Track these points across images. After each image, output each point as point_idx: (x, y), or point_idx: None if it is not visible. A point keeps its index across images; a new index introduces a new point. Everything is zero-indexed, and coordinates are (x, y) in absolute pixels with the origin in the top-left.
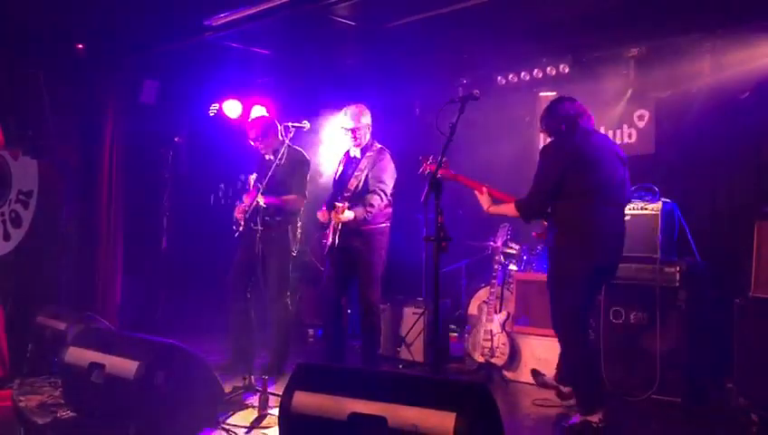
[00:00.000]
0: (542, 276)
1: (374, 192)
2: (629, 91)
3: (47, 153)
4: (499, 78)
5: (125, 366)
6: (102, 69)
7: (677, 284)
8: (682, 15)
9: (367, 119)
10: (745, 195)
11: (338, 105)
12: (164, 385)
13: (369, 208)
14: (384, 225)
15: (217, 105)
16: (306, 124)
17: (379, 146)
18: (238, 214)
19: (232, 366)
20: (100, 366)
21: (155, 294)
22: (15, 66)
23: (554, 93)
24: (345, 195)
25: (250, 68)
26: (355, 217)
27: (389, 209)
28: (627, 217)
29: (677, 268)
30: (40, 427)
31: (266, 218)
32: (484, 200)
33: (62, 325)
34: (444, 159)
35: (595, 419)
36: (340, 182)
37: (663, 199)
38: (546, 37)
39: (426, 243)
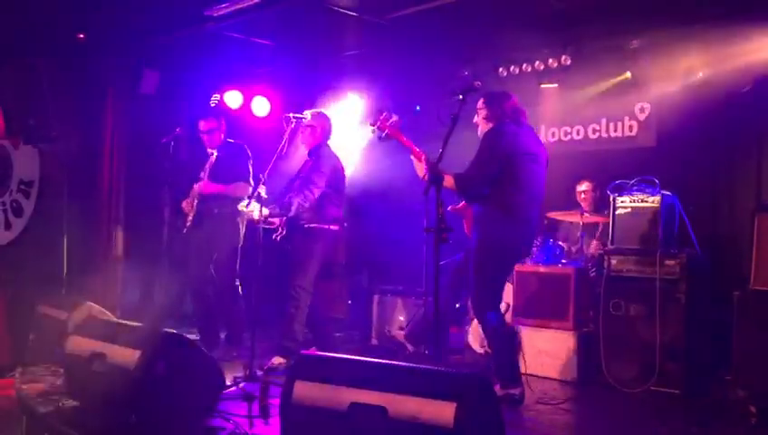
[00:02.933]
0: (542, 268)
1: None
2: (631, 84)
3: (48, 142)
4: (501, 69)
5: (126, 355)
6: (103, 58)
7: (677, 276)
8: (684, 7)
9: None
10: (746, 188)
11: (339, 96)
12: (165, 374)
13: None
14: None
15: (218, 96)
16: (307, 115)
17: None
18: (187, 208)
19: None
20: (102, 355)
21: (156, 283)
22: (17, 55)
23: (556, 85)
24: None
25: (251, 58)
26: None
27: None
28: (628, 210)
29: (678, 261)
30: (42, 415)
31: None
32: (419, 168)
33: (63, 315)
34: (394, 118)
35: (516, 391)
36: None
37: (664, 192)
38: (548, 29)
39: (426, 234)
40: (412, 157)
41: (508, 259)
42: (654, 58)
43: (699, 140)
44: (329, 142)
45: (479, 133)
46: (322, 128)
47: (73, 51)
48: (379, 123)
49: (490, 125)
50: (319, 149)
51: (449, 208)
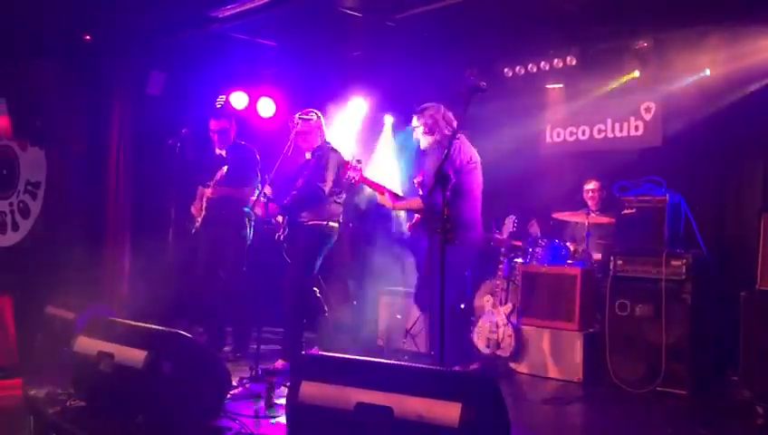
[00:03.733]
0: (548, 268)
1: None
2: (637, 84)
3: (55, 144)
4: (506, 70)
5: (133, 356)
6: (109, 60)
7: (683, 276)
8: (690, 8)
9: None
10: (752, 187)
11: (344, 97)
12: (171, 375)
13: None
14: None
15: (224, 97)
16: (313, 116)
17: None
18: (196, 211)
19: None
20: (109, 355)
21: (162, 284)
22: (23, 57)
23: (561, 85)
24: None
25: (256, 60)
26: None
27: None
28: (634, 210)
29: (683, 261)
30: (49, 416)
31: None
32: (385, 200)
33: (70, 315)
34: (358, 165)
35: (476, 365)
36: None
37: (669, 192)
38: (553, 29)
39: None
40: (377, 193)
41: (470, 262)
42: (660, 58)
43: (706, 140)
44: (328, 139)
45: (423, 147)
46: (321, 128)
47: (80, 52)
48: (348, 175)
49: (430, 138)
50: (321, 148)
51: (408, 227)
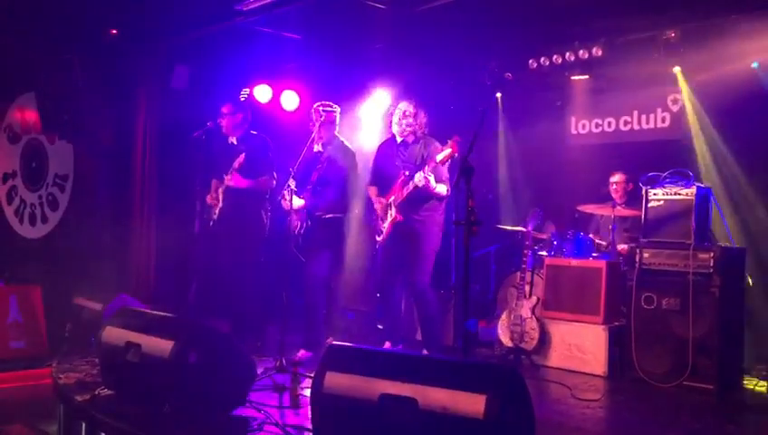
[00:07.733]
0: (573, 262)
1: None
2: (663, 75)
3: (83, 137)
4: (531, 61)
5: (160, 346)
6: (135, 54)
7: (711, 269)
8: None
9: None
10: None
11: (368, 89)
12: (197, 364)
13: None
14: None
15: (248, 90)
16: (336, 108)
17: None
18: (211, 201)
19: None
20: (136, 345)
21: (187, 275)
22: (52, 51)
23: (586, 77)
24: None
25: (280, 53)
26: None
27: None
28: (660, 202)
29: (711, 254)
30: (78, 404)
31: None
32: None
33: (98, 305)
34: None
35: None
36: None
37: (697, 184)
38: (579, 19)
39: (455, 227)
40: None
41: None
42: (687, 48)
43: (734, 132)
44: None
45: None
46: (336, 121)
47: (106, 47)
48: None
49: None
50: (334, 142)
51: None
